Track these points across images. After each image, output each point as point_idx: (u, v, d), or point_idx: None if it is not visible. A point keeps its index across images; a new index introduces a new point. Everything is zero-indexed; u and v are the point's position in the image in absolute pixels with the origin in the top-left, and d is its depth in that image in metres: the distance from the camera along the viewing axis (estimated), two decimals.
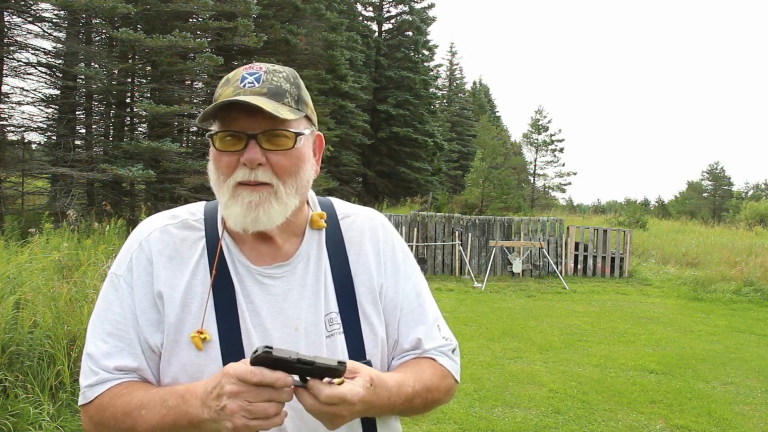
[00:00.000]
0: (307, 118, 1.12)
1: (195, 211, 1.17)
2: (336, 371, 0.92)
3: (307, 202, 1.18)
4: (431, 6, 33.09)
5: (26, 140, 14.15)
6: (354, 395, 0.94)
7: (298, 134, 1.06)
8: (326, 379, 0.94)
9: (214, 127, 1.07)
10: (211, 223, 1.14)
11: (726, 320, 8.73)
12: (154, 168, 13.24)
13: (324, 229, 1.18)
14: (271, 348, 0.89)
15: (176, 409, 0.96)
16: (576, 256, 12.86)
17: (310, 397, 0.93)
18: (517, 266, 12.24)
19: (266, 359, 0.89)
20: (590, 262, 12.86)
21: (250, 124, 1.03)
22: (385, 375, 1.06)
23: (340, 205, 1.25)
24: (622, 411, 4.80)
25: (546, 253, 12.51)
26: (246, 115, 1.03)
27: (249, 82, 1.05)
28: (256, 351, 0.89)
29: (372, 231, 1.22)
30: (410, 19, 32.02)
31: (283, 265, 1.12)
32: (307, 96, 1.13)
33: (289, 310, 1.09)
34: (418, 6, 32.66)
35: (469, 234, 12.63)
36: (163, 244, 1.11)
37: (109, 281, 1.11)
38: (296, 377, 0.93)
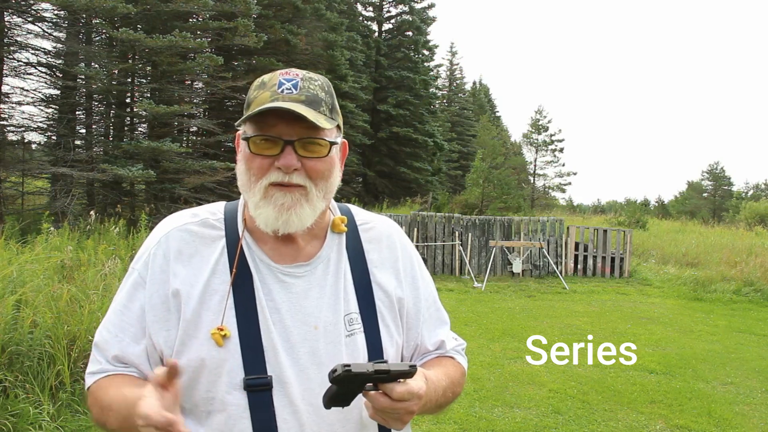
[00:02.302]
0: (338, 126, 1.14)
1: (215, 210, 1.19)
2: (408, 374, 0.98)
3: (329, 207, 1.21)
4: (431, 6, 33.08)
5: (26, 140, 14.15)
6: (420, 388, 1.00)
7: (332, 143, 1.10)
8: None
9: (248, 130, 1.09)
10: (231, 222, 1.16)
11: (726, 320, 8.73)
12: (154, 168, 13.22)
13: (344, 234, 1.21)
14: (350, 365, 0.93)
15: (129, 420, 0.97)
16: (576, 256, 12.85)
17: (382, 396, 0.97)
18: (517, 266, 12.23)
19: (347, 377, 0.93)
20: (590, 262, 12.86)
21: (287, 131, 1.05)
22: (427, 371, 1.12)
23: (358, 212, 1.28)
24: (622, 411, 4.80)
25: (546, 253, 12.51)
26: (283, 122, 1.05)
27: (287, 89, 1.07)
28: (335, 370, 0.93)
29: (389, 240, 1.26)
30: (410, 19, 32.00)
31: (304, 264, 1.14)
32: (337, 105, 1.15)
33: (309, 308, 1.11)
34: (418, 6, 32.65)
35: (469, 234, 12.62)
36: (183, 242, 1.13)
37: (127, 275, 1.15)
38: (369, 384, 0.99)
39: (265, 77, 1.12)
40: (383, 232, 1.26)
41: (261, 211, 1.07)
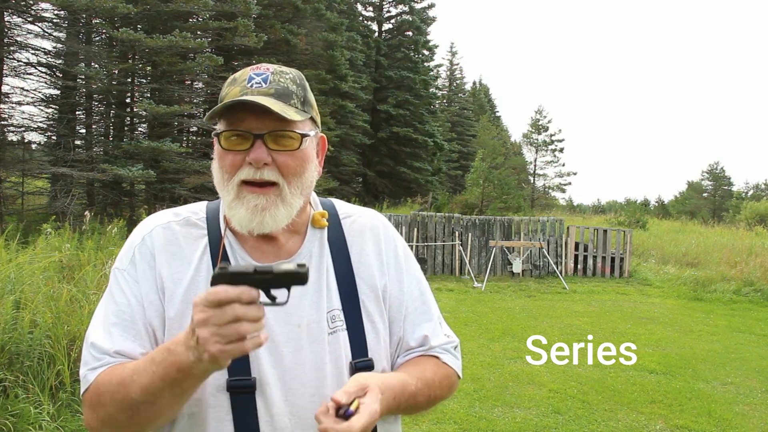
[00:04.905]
0: (312, 119, 1.12)
1: (197, 210, 1.18)
2: (297, 275, 0.89)
3: (309, 202, 1.19)
4: (431, 6, 33.12)
5: (26, 140, 14.18)
6: (374, 413, 0.96)
7: (303, 135, 1.07)
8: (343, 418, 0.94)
9: (220, 126, 1.07)
10: (213, 221, 1.15)
11: (726, 320, 8.73)
12: (154, 168, 13.24)
13: (326, 228, 1.19)
14: (227, 265, 0.88)
15: (164, 363, 0.93)
16: (576, 256, 12.85)
17: None
18: (517, 266, 12.23)
19: (223, 275, 0.87)
20: (590, 262, 12.86)
21: (257, 124, 1.04)
22: (387, 377, 1.08)
23: (341, 206, 1.26)
24: (622, 411, 4.80)
25: (546, 253, 12.51)
26: (253, 116, 1.03)
27: (256, 83, 1.06)
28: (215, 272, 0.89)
29: (373, 231, 1.23)
30: (410, 19, 32.03)
31: (285, 262, 1.11)
32: (312, 98, 1.13)
33: (290, 306, 1.08)
34: (418, 6, 32.69)
35: (469, 234, 12.63)
36: (166, 240, 1.11)
37: (113, 277, 1.11)
38: (263, 297, 0.89)
39: (237, 73, 1.11)
40: (366, 224, 1.23)
41: (234, 212, 1.06)
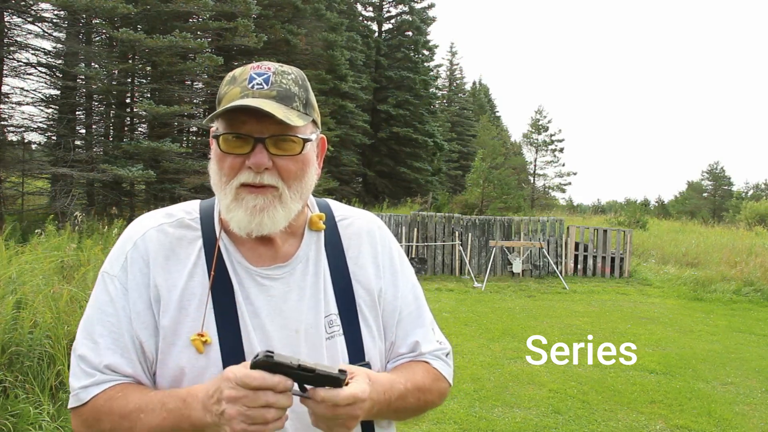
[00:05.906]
0: (314, 121, 1.09)
1: (190, 210, 1.14)
2: (337, 380, 0.92)
3: (306, 204, 1.16)
4: (431, 6, 33.16)
5: (26, 140, 14.17)
6: (363, 392, 0.96)
7: (306, 140, 1.04)
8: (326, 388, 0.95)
9: (219, 128, 1.04)
10: (207, 222, 1.11)
11: (726, 320, 8.73)
12: (154, 168, 13.25)
13: (322, 231, 1.17)
14: (273, 353, 0.88)
15: (177, 413, 0.94)
16: (576, 256, 12.85)
17: (321, 403, 0.93)
18: (517, 266, 12.23)
19: (266, 363, 0.88)
20: (590, 262, 12.86)
21: (258, 128, 1.00)
22: (376, 373, 1.08)
23: (337, 207, 1.24)
24: (622, 411, 4.80)
25: (546, 253, 12.51)
26: (254, 118, 1.00)
27: (257, 84, 1.02)
28: (257, 355, 0.88)
29: (369, 234, 1.21)
30: (410, 19, 32.07)
31: (282, 266, 1.10)
32: (313, 99, 1.10)
33: (288, 311, 1.07)
34: (418, 6, 32.73)
35: (469, 234, 12.63)
36: (159, 244, 1.07)
37: (101, 282, 1.07)
38: (295, 385, 0.92)
39: (237, 71, 1.06)
40: (363, 227, 1.22)
41: (233, 214, 1.03)
